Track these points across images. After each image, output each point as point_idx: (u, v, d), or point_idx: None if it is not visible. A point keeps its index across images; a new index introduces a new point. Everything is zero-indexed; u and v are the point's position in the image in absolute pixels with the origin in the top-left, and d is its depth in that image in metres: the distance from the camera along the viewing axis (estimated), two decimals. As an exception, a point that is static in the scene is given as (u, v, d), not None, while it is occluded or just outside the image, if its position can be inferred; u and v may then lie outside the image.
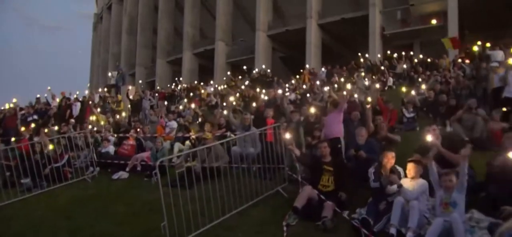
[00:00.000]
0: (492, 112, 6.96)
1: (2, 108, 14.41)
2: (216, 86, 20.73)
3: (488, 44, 12.63)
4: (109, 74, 21.80)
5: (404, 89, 10.93)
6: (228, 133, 8.17)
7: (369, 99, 7.63)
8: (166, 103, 17.15)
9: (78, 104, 13.90)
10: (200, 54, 30.08)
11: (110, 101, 16.03)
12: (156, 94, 18.77)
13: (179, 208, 4.23)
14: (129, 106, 14.00)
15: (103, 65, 38.16)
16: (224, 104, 13.54)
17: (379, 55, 19.70)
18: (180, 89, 21.18)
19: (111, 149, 8.77)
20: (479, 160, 4.76)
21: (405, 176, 4.53)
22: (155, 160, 6.63)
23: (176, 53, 31.65)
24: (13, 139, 9.71)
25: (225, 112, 8.72)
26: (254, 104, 10.35)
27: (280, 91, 10.37)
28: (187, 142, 8.93)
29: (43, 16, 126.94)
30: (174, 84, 25.27)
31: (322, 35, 24.60)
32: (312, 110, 7.44)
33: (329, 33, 25.01)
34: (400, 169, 4.64)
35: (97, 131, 10.15)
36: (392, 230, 3.83)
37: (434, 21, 20.32)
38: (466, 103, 7.34)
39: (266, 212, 4.96)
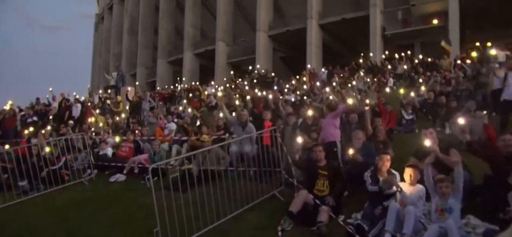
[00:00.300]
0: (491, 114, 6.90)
1: (2, 109, 14.41)
2: (217, 86, 20.69)
3: (488, 43, 12.54)
4: (107, 75, 21.87)
5: (402, 91, 10.81)
6: (226, 135, 8.15)
7: (368, 100, 7.53)
8: (163, 103, 17.13)
9: (79, 105, 13.92)
10: (201, 54, 30.06)
11: (109, 102, 16.04)
12: (157, 95, 18.74)
13: (174, 213, 4.19)
14: (127, 107, 14.01)
15: (105, 65, 38.19)
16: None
17: (383, 56, 19.53)
18: (180, 89, 21.15)
19: (109, 151, 8.75)
20: (476, 163, 4.67)
21: (401, 180, 4.49)
22: (153, 163, 6.59)
23: (177, 53, 31.64)
24: (10, 143, 9.71)
25: (221, 114, 8.64)
26: (250, 105, 10.28)
27: (271, 97, 10.27)
28: (185, 145, 8.89)
29: (43, 16, 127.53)
30: (176, 84, 25.23)
31: (323, 35, 24.52)
32: (310, 112, 7.37)
33: (330, 34, 24.93)
34: (395, 172, 4.60)
35: (96, 133, 10.14)
36: (387, 236, 3.79)
37: (435, 21, 20.22)
38: (465, 105, 7.29)
39: (262, 217, 4.91)
